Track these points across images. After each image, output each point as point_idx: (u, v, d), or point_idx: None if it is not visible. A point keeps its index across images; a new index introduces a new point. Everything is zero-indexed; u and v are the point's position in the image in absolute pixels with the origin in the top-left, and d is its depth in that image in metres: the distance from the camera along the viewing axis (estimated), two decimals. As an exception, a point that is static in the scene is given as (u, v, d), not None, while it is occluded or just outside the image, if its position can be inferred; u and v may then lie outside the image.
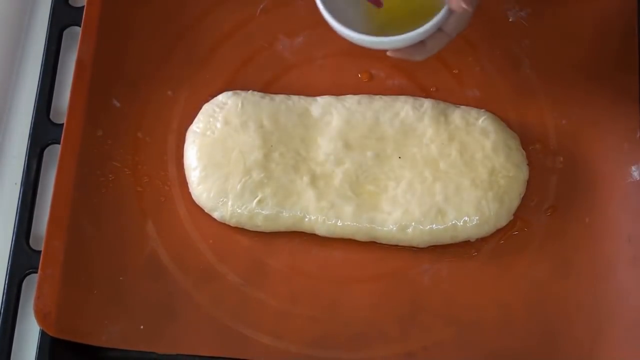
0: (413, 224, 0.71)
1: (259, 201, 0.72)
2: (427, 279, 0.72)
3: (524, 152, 0.74)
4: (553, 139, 0.76)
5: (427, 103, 0.75)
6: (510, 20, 0.79)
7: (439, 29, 0.66)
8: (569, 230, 0.73)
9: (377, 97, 0.76)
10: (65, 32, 0.80)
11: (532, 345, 0.70)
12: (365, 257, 0.73)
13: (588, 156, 0.75)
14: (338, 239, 0.73)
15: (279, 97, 0.76)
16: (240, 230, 0.74)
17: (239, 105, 0.75)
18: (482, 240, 0.73)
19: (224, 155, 0.74)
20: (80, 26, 0.78)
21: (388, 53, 0.68)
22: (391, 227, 0.72)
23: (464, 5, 0.62)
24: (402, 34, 0.65)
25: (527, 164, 0.74)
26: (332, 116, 0.75)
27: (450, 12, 0.65)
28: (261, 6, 0.80)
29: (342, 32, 0.67)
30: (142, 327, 0.71)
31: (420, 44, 0.67)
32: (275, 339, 0.71)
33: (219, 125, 0.74)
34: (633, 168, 0.73)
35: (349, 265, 0.73)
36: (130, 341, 0.71)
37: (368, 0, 0.69)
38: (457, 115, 0.74)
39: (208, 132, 0.74)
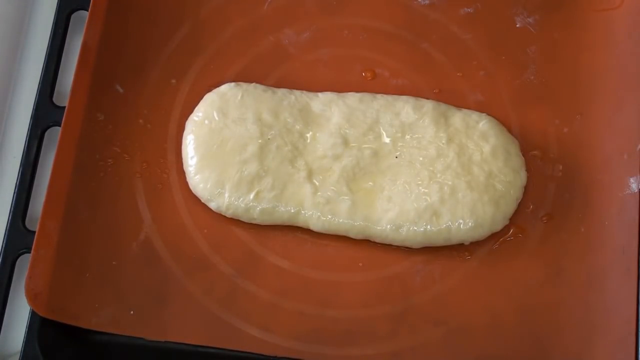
0: (407, 224, 0.71)
1: (256, 194, 0.72)
2: (419, 280, 0.72)
3: (523, 158, 0.74)
4: (553, 146, 0.75)
5: (428, 104, 0.75)
6: (517, 26, 0.79)
7: None
8: (564, 238, 0.73)
9: (379, 95, 0.76)
10: (73, 16, 0.80)
11: (521, 353, 0.70)
12: (358, 255, 0.73)
13: (587, 166, 0.74)
14: (332, 235, 0.73)
15: (280, 91, 0.76)
16: (236, 222, 0.74)
17: (239, 97, 0.75)
18: (476, 244, 0.72)
19: (221, 146, 0.74)
20: (88, 10, 0.78)
21: None
22: (385, 226, 0.71)
23: None
24: None
25: (526, 170, 0.73)
26: (332, 112, 0.75)
27: None
28: (270, -1, 0.81)
29: None
30: (132, 312, 0.71)
31: None
32: (264, 332, 0.71)
33: (217, 115, 0.75)
34: (631, 180, 0.72)
35: (342, 262, 0.73)
36: (119, 326, 0.71)
37: None
38: (458, 117, 0.74)
39: (206, 122, 0.75)
